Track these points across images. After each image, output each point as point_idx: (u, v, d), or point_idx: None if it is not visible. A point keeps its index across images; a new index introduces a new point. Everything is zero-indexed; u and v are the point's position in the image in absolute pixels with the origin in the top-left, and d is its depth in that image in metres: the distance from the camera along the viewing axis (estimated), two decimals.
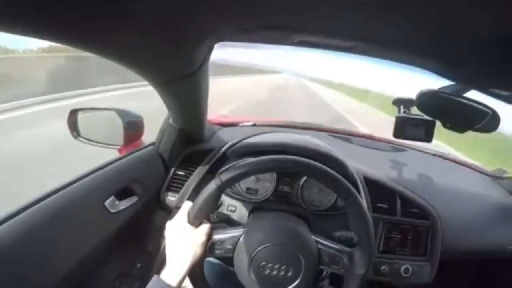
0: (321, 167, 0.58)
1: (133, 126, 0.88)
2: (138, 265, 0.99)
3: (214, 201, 0.59)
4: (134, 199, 0.82)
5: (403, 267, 0.84)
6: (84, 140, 0.90)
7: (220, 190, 0.58)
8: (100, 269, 0.85)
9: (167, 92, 0.64)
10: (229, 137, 0.92)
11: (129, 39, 0.42)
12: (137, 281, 0.91)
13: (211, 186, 0.58)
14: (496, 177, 1.17)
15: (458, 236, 0.92)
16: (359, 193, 0.80)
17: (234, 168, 0.58)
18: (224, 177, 0.58)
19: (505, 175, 1.18)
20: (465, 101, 0.74)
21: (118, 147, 0.88)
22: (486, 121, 0.74)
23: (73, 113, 0.90)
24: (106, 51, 0.44)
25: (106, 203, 0.75)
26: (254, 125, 1.16)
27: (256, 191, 0.85)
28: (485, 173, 1.19)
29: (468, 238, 0.94)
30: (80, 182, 0.71)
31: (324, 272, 0.82)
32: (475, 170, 1.19)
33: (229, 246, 0.61)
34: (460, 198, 0.98)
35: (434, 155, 1.21)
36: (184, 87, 0.61)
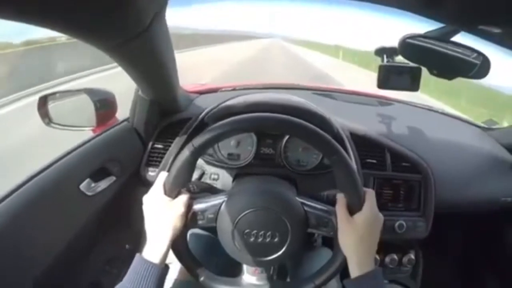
0: (301, 123, 0.54)
1: (104, 104, 0.83)
2: (127, 246, 0.97)
3: (190, 169, 0.55)
4: (112, 179, 0.79)
5: (397, 223, 0.83)
6: (57, 126, 0.86)
7: (194, 155, 0.54)
8: (86, 256, 0.83)
9: (121, 58, 0.58)
10: (207, 104, 0.87)
11: (65, 2, 0.36)
12: (128, 263, 0.89)
13: (185, 153, 0.54)
14: (486, 129, 1.15)
15: (451, 189, 0.90)
16: (346, 149, 0.78)
17: (208, 131, 0.54)
18: (197, 141, 0.53)
19: (495, 126, 1.16)
20: (453, 46, 0.70)
21: (92, 128, 0.84)
22: (477, 67, 0.71)
23: (42, 100, 0.85)
24: (41, 17, 0.38)
25: (81, 186, 0.71)
26: (234, 89, 1.11)
27: (238, 156, 0.82)
28: (475, 125, 1.16)
29: (461, 190, 0.93)
30: (52, 167, 0.67)
31: (316, 234, 0.81)
32: (465, 122, 1.16)
33: (211, 215, 0.57)
34: (452, 151, 0.96)
35: (421, 107, 1.18)
36: (137, 50, 0.55)
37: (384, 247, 0.95)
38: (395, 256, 0.95)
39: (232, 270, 0.64)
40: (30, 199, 0.60)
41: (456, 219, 1.08)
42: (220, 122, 0.54)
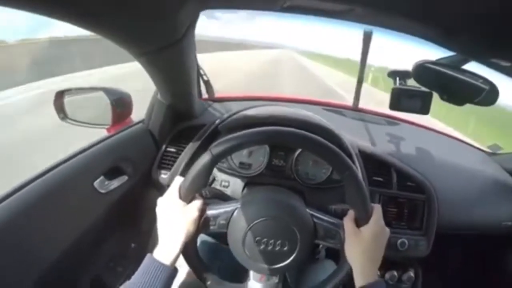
0: (316, 138, 0.56)
1: (120, 104, 0.85)
2: (133, 245, 0.98)
3: (206, 175, 0.56)
4: (124, 178, 0.81)
5: (399, 241, 0.84)
6: (72, 122, 0.87)
7: (212, 163, 0.55)
8: (93, 252, 0.84)
9: (151, 64, 0.60)
10: (220, 112, 0.90)
11: (107, 6, 0.39)
12: (132, 261, 0.90)
13: (203, 159, 0.55)
14: (490, 153, 1.17)
15: (453, 211, 0.92)
16: (355, 166, 0.80)
17: (226, 140, 0.56)
18: (216, 150, 0.55)
19: (499, 151, 1.18)
20: (463, 74, 0.72)
21: (107, 127, 0.85)
22: (485, 94, 0.73)
23: (59, 95, 0.87)
24: (83, 20, 0.41)
25: (95, 183, 0.73)
26: (246, 99, 1.13)
27: (249, 165, 0.84)
28: (479, 149, 1.18)
29: (463, 213, 0.94)
30: (67, 163, 0.68)
31: (320, 245, 0.82)
32: (469, 145, 1.18)
33: (223, 222, 0.59)
34: (456, 173, 0.98)
35: (428, 129, 1.20)
36: (168, 58, 0.58)
37: (384, 263, 0.95)
38: (395, 273, 0.96)
39: (234, 276, 0.66)
40: (44, 193, 0.62)
41: (457, 240, 1.09)
42: (240, 133, 0.56)
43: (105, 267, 0.90)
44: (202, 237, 0.85)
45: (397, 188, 0.87)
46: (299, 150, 0.82)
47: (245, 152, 0.83)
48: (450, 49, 0.64)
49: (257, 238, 0.57)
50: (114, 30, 0.46)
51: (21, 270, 0.58)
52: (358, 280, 0.55)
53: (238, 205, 0.59)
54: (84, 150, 0.73)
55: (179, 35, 0.51)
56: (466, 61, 0.73)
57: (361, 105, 1.20)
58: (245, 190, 0.82)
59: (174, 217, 0.56)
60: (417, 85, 0.76)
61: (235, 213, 0.59)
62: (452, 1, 0.41)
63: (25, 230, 0.58)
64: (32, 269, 0.60)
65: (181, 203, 0.57)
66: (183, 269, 0.71)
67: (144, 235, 0.94)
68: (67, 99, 0.87)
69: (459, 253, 1.20)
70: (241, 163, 0.83)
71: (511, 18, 0.40)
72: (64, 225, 0.67)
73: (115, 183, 0.78)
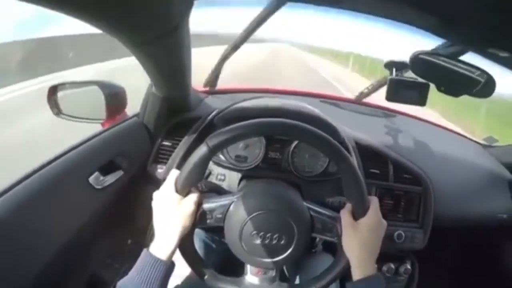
0: (314, 130, 0.55)
1: (115, 98, 0.83)
2: (129, 241, 0.98)
3: (202, 168, 0.56)
4: (120, 173, 0.79)
5: (396, 233, 0.85)
6: (66, 117, 0.86)
7: (209, 155, 0.55)
8: (89, 249, 0.83)
9: (144, 55, 0.59)
10: (216, 105, 0.89)
11: None
12: (129, 257, 0.89)
13: (199, 152, 0.55)
14: (486, 146, 1.17)
15: (449, 203, 0.92)
16: (351, 157, 0.79)
17: (222, 132, 0.55)
18: (212, 142, 0.54)
19: (495, 144, 1.19)
20: (461, 65, 0.72)
21: (101, 121, 0.84)
22: (482, 86, 0.73)
23: (52, 90, 0.85)
24: (78, 10, 0.40)
25: (90, 179, 0.72)
26: (242, 92, 1.13)
27: (245, 158, 0.83)
28: (475, 141, 1.19)
29: (460, 205, 0.95)
30: (62, 159, 0.67)
31: (318, 239, 0.82)
32: (466, 138, 1.19)
33: (219, 215, 0.59)
34: (452, 165, 0.98)
35: (424, 121, 1.20)
36: (162, 49, 0.57)
37: (381, 256, 0.96)
38: (392, 265, 0.96)
39: (229, 270, 0.66)
40: (39, 189, 0.61)
41: (454, 232, 1.10)
42: (236, 125, 0.55)
43: (102, 263, 0.90)
44: (198, 232, 0.84)
45: (394, 180, 0.88)
46: (295, 143, 0.82)
47: (241, 145, 0.83)
48: (447, 38, 0.64)
49: (254, 232, 0.57)
50: (108, 20, 0.45)
51: (17, 267, 0.57)
52: (356, 273, 0.55)
53: (234, 198, 0.59)
54: (78, 145, 0.72)
55: (174, 23, 0.50)
56: (463, 51, 0.73)
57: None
58: (241, 184, 0.81)
59: (170, 211, 0.56)
60: (413, 76, 0.75)
61: (231, 207, 0.58)
62: None
63: (20, 227, 0.57)
64: (28, 266, 0.59)
65: (177, 196, 0.56)
66: (180, 263, 0.71)
67: (140, 230, 0.94)
68: (60, 94, 0.85)
69: (455, 245, 1.21)
70: (237, 156, 0.83)
71: (510, 6, 0.40)
72: (59, 222, 0.66)
73: (110, 179, 0.77)
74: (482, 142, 1.20)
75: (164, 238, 0.55)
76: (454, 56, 0.72)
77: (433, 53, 0.71)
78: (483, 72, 0.72)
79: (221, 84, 1.12)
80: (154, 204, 0.58)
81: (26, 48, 6.06)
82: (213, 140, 0.54)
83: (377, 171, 0.87)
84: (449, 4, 0.47)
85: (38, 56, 6.17)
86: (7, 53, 5.79)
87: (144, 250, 0.54)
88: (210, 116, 0.84)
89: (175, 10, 0.48)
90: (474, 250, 1.23)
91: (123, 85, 0.88)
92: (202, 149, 0.55)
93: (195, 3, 0.52)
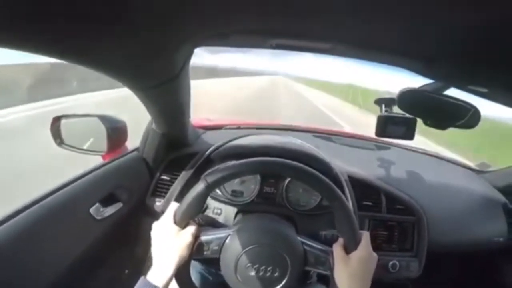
0: (306, 168, 0.58)
1: (116, 132, 0.87)
2: (127, 271, 0.98)
3: (201, 202, 0.58)
4: (119, 205, 0.82)
5: (390, 263, 0.85)
6: (68, 148, 0.89)
7: (207, 191, 0.58)
8: (88, 277, 0.84)
9: (148, 98, 0.63)
10: (213, 140, 0.92)
11: (107, 47, 0.41)
12: (127, 286, 0.90)
13: (198, 186, 0.58)
14: (479, 171, 1.19)
15: (444, 230, 0.93)
16: (344, 192, 0.81)
17: (220, 169, 0.58)
18: (211, 178, 0.57)
19: (488, 169, 1.21)
20: (446, 99, 0.75)
21: (102, 154, 0.87)
22: (467, 118, 0.76)
23: (56, 120, 0.88)
24: (84, 59, 0.43)
25: (91, 210, 0.74)
26: (238, 127, 1.16)
27: (241, 193, 0.85)
28: (468, 168, 1.21)
29: (454, 231, 0.95)
30: (64, 190, 0.70)
31: (312, 271, 0.82)
32: (459, 165, 1.21)
33: (216, 247, 0.61)
34: (445, 193, 1.00)
35: (417, 152, 1.23)
36: (165, 92, 0.61)
37: (377, 286, 0.96)
38: None
39: None
40: (41, 219, 0.62)
41: (449, 258, 1.10)
42: (234, 163, 0.59)
43: None
44: (194, 265, 0.85)
45: (387, 211, 0.89)
46: (289, 178, 0.84)
47: (237, 180, 0.85)
48: (432, 78, 0.68)
49: (249, 264, 0.59)
50: (113, 68, 0.49)
51: None
52: None
53: (230, 232, 0.61)
54: (81, 177, 0.75)
55: (175, 72, 0.54)
56: (447, 87, 0.77)
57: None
58: (237, 218, 0.83)
59: (169, 241, 0.58)
60: (401, 112, 0.79)
61: (227, 240, 0.61)
62: (429, 35, 0.44)
63: (22, 254, 0.59)
64: None
65: (176, 228, 0.59)
66: None
67: (138, 261, 0.94)
68: (63, 125, 0.88)
69: (452, 271, 1.21)
70: (233, 191, 0.85)
71: (483, 49, 0.43)
72: (60, 250, 0.67)
73: (110, 210, 0.79)
74: (475, 167, 1.22)
75: (162, 266, 0.56)
76: (440, 91, 0.76)
77: (419, 90, 0.75)
78: (468, 104, 0.75)
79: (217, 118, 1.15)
80: (153, 234, 0.60)
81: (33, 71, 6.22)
82: (211, 176, 0.57)
83: (370, 203, 0.89)
84: (431, 50, 0.51)
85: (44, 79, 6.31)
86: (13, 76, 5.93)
87: (142, 277, 0.55)
88: (208, 152, 0.87)
89: (176, 60, 0.52)
90: (471, 275, 1.22)
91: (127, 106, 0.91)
92: (201, 185, 0.58)
93: (195, 51, 0.56)
